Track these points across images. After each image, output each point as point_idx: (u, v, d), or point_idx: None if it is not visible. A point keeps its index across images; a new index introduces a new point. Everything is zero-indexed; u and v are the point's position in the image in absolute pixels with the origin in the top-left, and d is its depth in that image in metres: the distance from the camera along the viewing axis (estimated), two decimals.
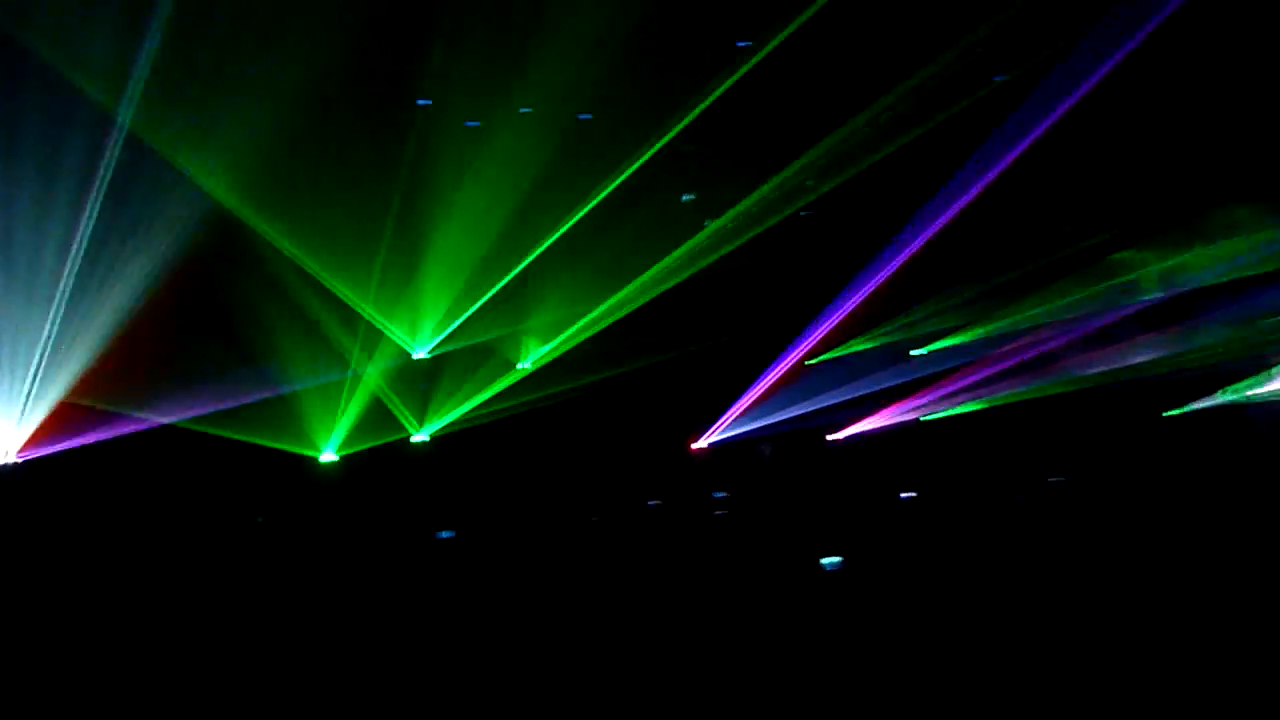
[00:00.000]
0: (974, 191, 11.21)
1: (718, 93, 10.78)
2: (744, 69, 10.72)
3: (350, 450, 11.18)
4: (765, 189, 11.45)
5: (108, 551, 9.42)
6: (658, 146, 11.01)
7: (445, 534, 9.66)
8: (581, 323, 11.76)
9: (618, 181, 11.07)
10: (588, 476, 11.46)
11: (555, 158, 11.05)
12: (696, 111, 10.87)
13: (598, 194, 11.11)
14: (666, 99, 10.98)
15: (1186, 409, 11.94)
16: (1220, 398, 12.00)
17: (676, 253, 11.62)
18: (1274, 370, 11.68)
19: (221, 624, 7.44)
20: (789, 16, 10.58)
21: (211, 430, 10.53)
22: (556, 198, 11.12)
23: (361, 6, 10.02)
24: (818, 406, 12.31)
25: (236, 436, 10.53)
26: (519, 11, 10.60)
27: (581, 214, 11.14)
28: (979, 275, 12.12)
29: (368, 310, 11.07)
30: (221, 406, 10.51)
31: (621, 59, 10.57)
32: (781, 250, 11.82)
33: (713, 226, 11.73)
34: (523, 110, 11.12)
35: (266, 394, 10.71)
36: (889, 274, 11.76)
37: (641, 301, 11.68)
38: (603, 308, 11.66)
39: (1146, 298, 12.13)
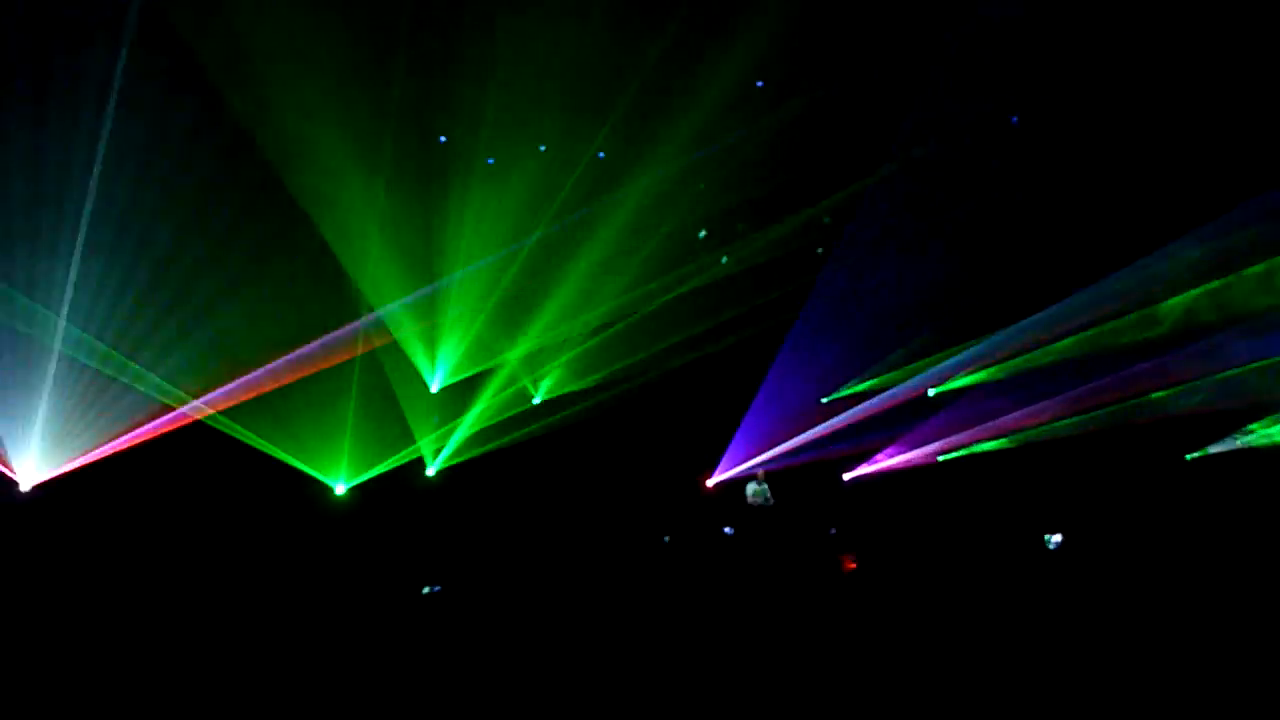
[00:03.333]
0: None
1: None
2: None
3: (360, 479, 11.26)
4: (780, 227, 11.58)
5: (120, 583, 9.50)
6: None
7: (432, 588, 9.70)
8: (590, 343, 11.91)
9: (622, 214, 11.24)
10: (601, 511, 11.44)
11: (571, 193, 11.22)
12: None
13: (608, 228, 11.26)
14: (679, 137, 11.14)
15: (1206, 451, 11.72)
16: (1240, 440, 11.76)
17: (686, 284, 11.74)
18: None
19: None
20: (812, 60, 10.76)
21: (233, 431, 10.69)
22: (571, 232, 11.26)
23: (393, 44, 10.32)
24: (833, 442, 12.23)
25: (259, 445, 10.69)
26: (541, 54, 10.80)
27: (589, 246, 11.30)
28: (999, 312, 11.99)
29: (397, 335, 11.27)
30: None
31: (639, 100, 10.76)
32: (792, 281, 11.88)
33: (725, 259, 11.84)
34: (541, 148, 11.33)
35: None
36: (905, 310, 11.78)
37: (649, 317, 11.83)
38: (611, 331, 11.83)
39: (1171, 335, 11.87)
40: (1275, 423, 11.54)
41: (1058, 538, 8.00)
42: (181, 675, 6.95)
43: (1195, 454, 11.86)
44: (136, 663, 7.18)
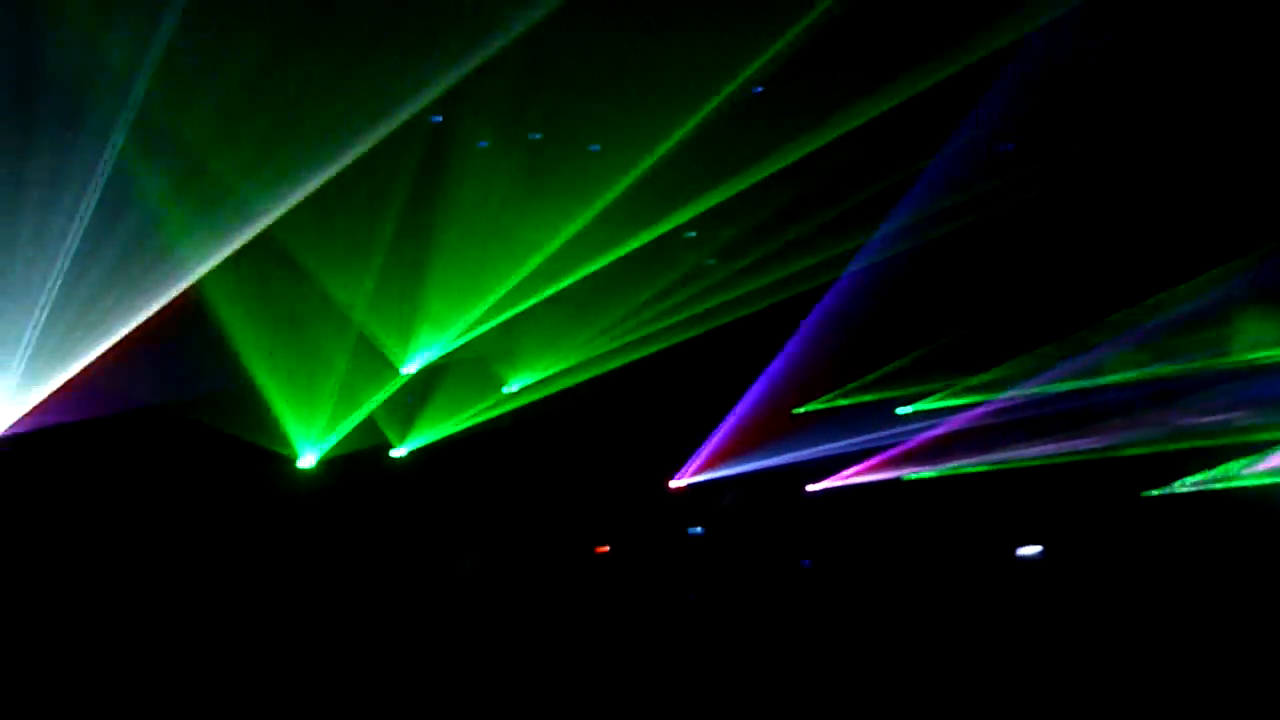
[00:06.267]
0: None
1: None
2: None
3: (329, 456, 11.13)
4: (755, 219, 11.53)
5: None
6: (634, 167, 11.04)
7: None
8: (570, 349, 11.84)
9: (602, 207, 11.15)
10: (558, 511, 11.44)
11: (560, 184, 11.14)
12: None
13: (600, 224, 11.18)
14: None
15: (1167, 490, 11.88)
16: (1205, 482, 11.93)
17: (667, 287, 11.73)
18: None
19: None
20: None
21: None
22: (556, 223, 11.18)
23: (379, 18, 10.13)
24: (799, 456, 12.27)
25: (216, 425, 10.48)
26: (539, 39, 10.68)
27: (577, 241, 11.20)
28: (971, 333, 12.12)
29: (358, 319, 11.09)
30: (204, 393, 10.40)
31: (634, 94, 10.66)
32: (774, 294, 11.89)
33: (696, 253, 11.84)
34: (532, 136, 11.22)
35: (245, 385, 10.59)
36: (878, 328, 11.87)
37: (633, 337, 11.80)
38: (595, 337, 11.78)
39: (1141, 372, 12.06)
40: (1237, 465, 11.74)
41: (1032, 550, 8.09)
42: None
43: (1154, 491, 12.03)
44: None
